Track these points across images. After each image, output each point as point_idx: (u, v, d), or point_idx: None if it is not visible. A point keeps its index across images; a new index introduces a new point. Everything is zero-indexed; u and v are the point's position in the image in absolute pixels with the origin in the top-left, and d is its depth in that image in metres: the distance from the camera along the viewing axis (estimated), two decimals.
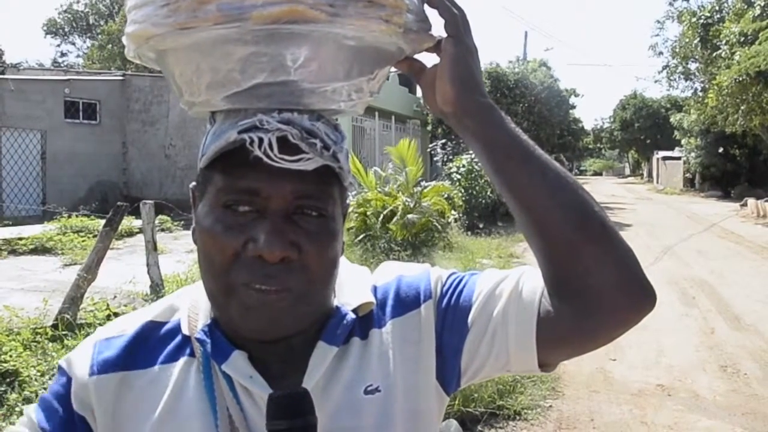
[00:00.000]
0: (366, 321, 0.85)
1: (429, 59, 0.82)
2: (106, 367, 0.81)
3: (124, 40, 0.77)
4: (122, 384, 0.80)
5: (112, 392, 0.80)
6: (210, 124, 0.79)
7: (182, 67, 0.75)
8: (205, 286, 0.79)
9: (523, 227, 0.78)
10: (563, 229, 0.74)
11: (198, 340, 0.80)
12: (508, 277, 0.84)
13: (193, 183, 0.82)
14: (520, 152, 0.77)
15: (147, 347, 0.83)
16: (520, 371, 0.85)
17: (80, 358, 0.82)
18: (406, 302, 0.86)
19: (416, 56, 0.82)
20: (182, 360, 0.81)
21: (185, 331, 0.82)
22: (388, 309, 0.86)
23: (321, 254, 0.76)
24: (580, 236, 0.74)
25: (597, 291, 0.74)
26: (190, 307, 0.84)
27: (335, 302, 0.84)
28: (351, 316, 0.83)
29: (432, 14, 0.78)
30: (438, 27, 0.78)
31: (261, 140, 0.71)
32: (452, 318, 0.84)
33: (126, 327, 0.85)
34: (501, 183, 0.78)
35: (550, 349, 0.80)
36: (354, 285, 0.87)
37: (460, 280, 0.87)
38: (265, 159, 0.71)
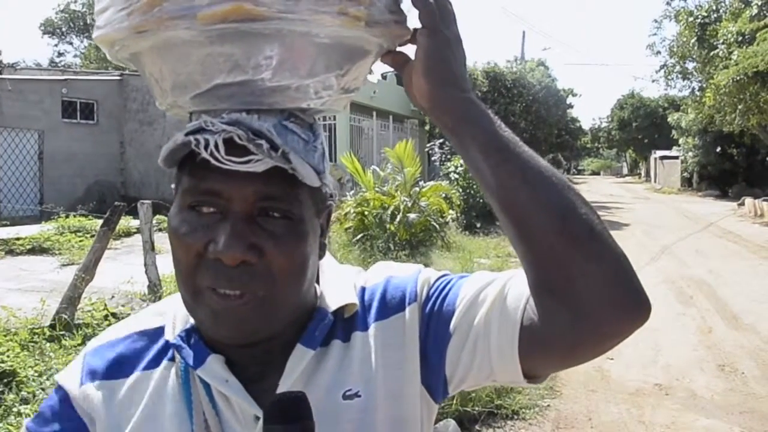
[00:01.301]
0: (349, 323, 0.83)
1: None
2: (92, 376, 0.83)
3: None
4: (108, 393, 0.81)
5: (100, 400, 0.81)
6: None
7: (150, 69, 0.75)
8: (178, 288, 0.78)
9: (505, 229, 0.74)
10: (545, 233, 0.69)
11: (174, 345, 0.80)
12: (495, 282, 0.80)
13: (173, 184, 0.82)
14: (498, 149, 0.72)
15: (131, 357, 0.84)
16: (506, 382, 0.80)
17: (72, 371, 0.85)
18: (391, 305, 0.83)
19: (401, 49, 0.79)
20: (163, 365, 0.82)
21: (168, 336, 0.82)
22: (373, 312, 0.83)
23: (286, 257, 0.73)
24: (563, 240, 0.68)
25: (582, 300, 0.68)
26: (173, 314, 0.84)
27: (318, 304, 0.83)
28: (330, 318, 0.81)
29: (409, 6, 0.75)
30: (414, 18, 0.75)
31: (207, 142, 0.69)
32: (436, 322, 0.81)
33: (113, 336, 0.86)
34: (480, 181, 0.74)
35: (534, 360, 0.76)
36: (338, 286, 0.85)
37: (448, 283, 0.84)
38: (212, 161, 0.69)
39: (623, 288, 0.68)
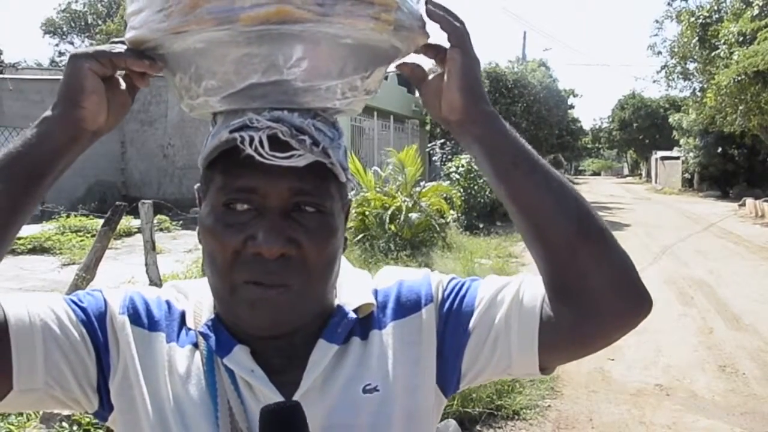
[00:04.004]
0: (367, 322, 0.87)
1: (427, 63, 0.83)
2: (134, 316, 0.84)
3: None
4: (145, 342, 0.83)
5: (132, 338, 0.82)
6: (212, 126, 0.81)
7: (180, 70, 0.77)
8: (210, 284, 0.81)
9: (525, 233, 0.80)
10: (564, 234, 0.76)
11: (201, 334, 0.82)
12: (510, 284, 0.86)
13: (198, 184, 0.84)
14: (526, 160, 0.78)
15: (165, 319, 0.86)
16: (521, 375, 0.87)
17: (115, 296, 0.86)
18: (407, 305, 0.88)
19: (418, 61, 0.83)
20: (187, 348, 0.84)
21: (190, 324, 0.85)
22: (389, 312, 0.88)
23: (320, 250, 0.77)
24: (580, 240, 0.76)
25: (595, 294, 0.76)
26: (196, 303, 0.87)
27: (336, 302, 0.86)
28: (352, 315, 0.84)
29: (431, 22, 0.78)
30: (435, 34, 0.79)
31: (252, 138, 0.72)
32: (454, 322, 0.86)
33: (153, 294, 0.88)
34: (505, 189, 0.79)
35: (550, 353, 0.82)
36: (355, 286, 0.89)
37: (462, 285, 0.89)
38: (257, 156, 0.72)
39: (630, 283, 0.77)
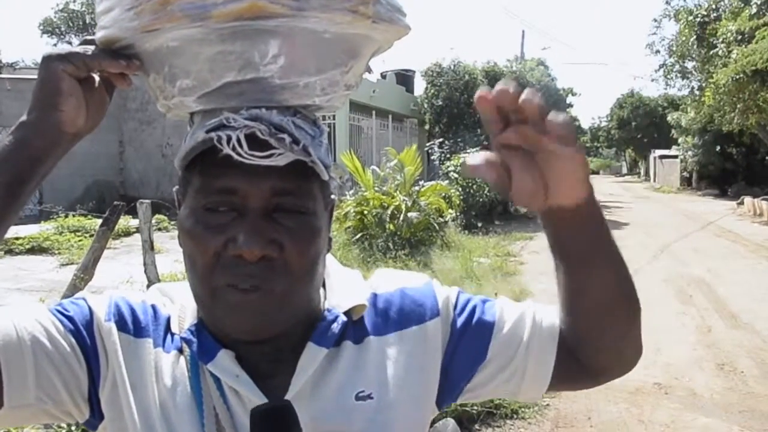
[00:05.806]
0: (360, 326, 0.84)
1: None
2: (120, 322, 0.81)
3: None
4: (132, 348, 0.81)
5: (125, 350, 0.80)
6: (189, 126, 0.79)
7: (154, 70, 0.75)
8: (191, 288, 0.78)
9: (578, 316, 0.82)
10: (618, 320, 0.81)
11: (184, 339, 0.80)
12: (526, 315, 0.87)
13: (176, 186, 0.82)
14: (609, 251, 0.79)
15: (152, 324, 0.83)
16: (523, 399, 0.92)
17: (100, 303, 0.83)
18: (410, 316, 0.85)
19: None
20: (173, 353, 0.81)
21: (175, 329, 0.82)
22: (391, 320, 0.85)
23: (302, 251, 0.75)
24: (631, 325, 0.82)
25: (614, 367, 0.87)
26: (180, 307, 0.84)
27: (326, 304, 0.84)
28: (342, 318, 0.82)
29: (405, 4, 0.76)
30: (411, 17, 0.77)
31: (229, 138, 0.70)
32: (467, 345, 0.85)
33: (131, 298, 0.86)
34: (579, 278, 0.79)
35: (555, 386, 0.87)
36: (345, 288, 0.86)
37: (474, 306, 0.88)
38: (235, 156, 0.70)
39: (637, 354, 0.87)
